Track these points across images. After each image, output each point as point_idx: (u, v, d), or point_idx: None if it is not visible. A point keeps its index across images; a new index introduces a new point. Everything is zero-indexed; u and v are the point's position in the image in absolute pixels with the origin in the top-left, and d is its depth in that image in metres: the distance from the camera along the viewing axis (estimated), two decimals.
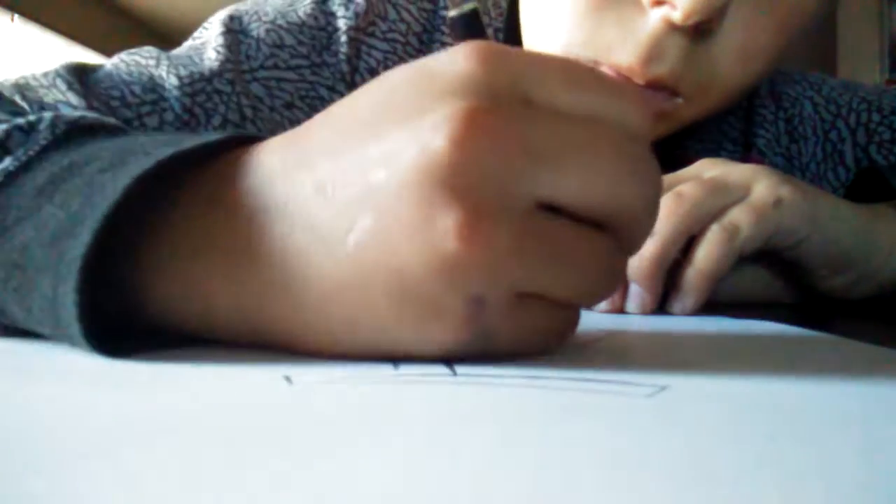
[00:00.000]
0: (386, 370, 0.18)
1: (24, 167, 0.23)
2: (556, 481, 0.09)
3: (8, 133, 0.25)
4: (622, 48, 0.41)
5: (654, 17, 0.40)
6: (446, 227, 0.17)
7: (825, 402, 0.15)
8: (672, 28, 0.40)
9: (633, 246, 0.20)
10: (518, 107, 0.18)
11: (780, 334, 0.26)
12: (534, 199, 0.17)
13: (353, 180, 0.18)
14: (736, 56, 0.42)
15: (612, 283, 0.20)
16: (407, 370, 0.18)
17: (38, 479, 0.10)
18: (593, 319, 0.33)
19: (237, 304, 0.20)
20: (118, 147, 0.22)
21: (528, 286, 0.18)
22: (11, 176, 0.23)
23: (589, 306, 0.20)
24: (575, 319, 0.20)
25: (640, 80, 0.41)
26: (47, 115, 0.25)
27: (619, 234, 0.19)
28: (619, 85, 0.19)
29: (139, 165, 0.19)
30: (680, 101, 0.43)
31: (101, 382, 0.16)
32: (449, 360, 0.19)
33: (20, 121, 0.25)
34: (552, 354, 0.20)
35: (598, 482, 0.09)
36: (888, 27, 2.69)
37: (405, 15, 0.53)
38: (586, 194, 0.18)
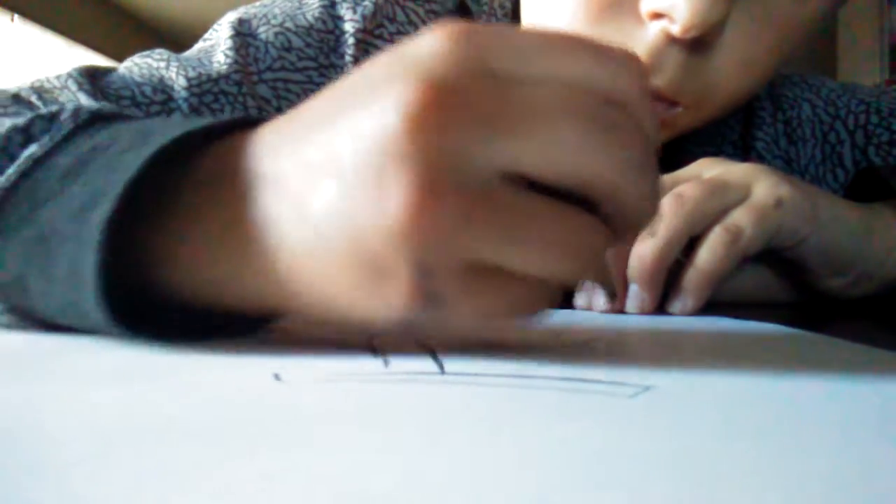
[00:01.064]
0: (376, 368, 0.18)
1: (50, 153, 0.24)
2: (530, 481, 0.10)
3: (31, 121, 0.26)
4: None
5: (653, 30, 0.40)
6: (397, 195, 0.17)
7: (811, 401, 0.15)
8: (671, 41, 0.40)
9: (625, 224, 0.19)
10: (481, 79, 0.18)
11: (778, 335, 0.26)
12: (494, 169, 0.18)
13: (322, 148, 0.19)
14: (734, 67, 0.42)
15: (585, 262, 0.19)
16: (397, 367, 0.18)
17: (35, 479, 0.10)
18: (592, 319, 0.33)
19: (223, 273, 0.21)
20: (137, 129, 0.23)
21: (481, 257, 0.18)
22: (38, 161, 0.24)
23: (561, 283, 0.19)
24: (544, 295, 0.20)
25: None
26: (69, 105, 0.26)
27: (605, 209, 0.19)
28: (603, 50, 0.19)
29: (157, 142, 0.21)
30: (679, 109, 0.43)
31: (91, 382, 0.16)
32: (416, 333, 0.20)
33: (42, 111, 0.26)
34: (528, 326, 0.20)
35: (570, 482, 0.10)
36: (888, 27, 2.69)
37: (413, 17, 0.53)
38: (549, 161, 0.18)
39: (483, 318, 0.19)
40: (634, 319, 0.33)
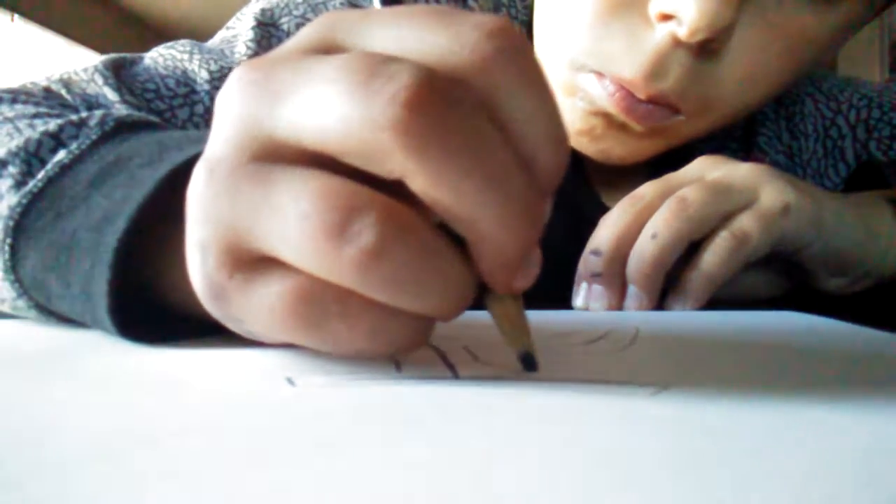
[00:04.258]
0: (388, 372, 0.18)
1: (77, 159, 0.26)
2: (553, 484, 0.09)
3: (61, 127, 0.28)
4: (626, 61, 0.41)
5: (661, 32, 0.40)
6: (196, 168, 0.17)
7: (830, 399, 0.14)
8: (677, 44, 0.39)
9: (470, 238, 0.16)
10: (292, 54, 0.16)
11: (790, 323, 0.26)
12: (274, 140, 0.16)
13: None
14: (740, 79, 0.42)
15: (393, 271, 0.15)
16: (409, 371, 0.18)
17: (43, 482, 0.10)
18: (595, 318, 0.32)
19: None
20: (158, 142, 0.25)
21: (252, 242, 0.16)
22: (65, 168, 0.26)
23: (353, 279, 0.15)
24: (355, 306, 0.15)
25: (641, 95, 0.41)
26: (97, 112, 0.28)
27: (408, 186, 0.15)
28: (450, 19, 0.16)
29: (172, 161, 0.22)
30: (681, 118, 0.43)
31: (101, 384, 0.16)
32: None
33: (73, 117, 0.28)
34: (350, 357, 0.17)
35: (591, 483, 0.09)
36: (888, 27, 2.69)
37: (433, 3, 0.53)
38: (313, 126, 0.15)
39: (272, 320, 0.16)
40: (639, 315, 0.33)
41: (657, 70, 0.40)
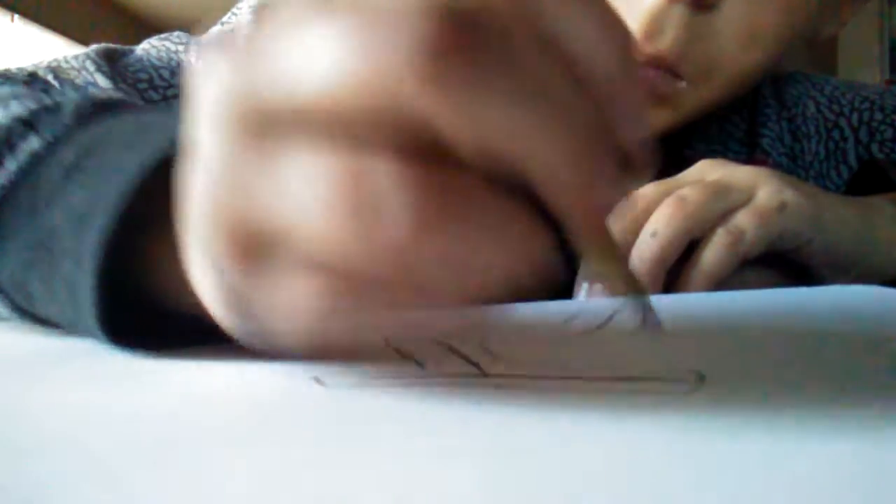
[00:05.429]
0: (413, 371, 0.18)
1: (52, 147, 0.24)
2: (582, 487, 0.10)
3: (34, 112, 0.25)
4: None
5: None
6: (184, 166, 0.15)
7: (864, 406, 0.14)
8: (673, 0, 0.40)
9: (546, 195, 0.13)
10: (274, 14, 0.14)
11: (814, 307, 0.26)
12: (262, 109, 0.13)
13: None
14: (738, 36, 0.42)
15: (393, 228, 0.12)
16: (435, 370, 0.18)
17: (80, 493, 0.10)
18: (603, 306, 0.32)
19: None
20: (139, 123, 0.22)
21: (266, 233, 0.14)
22: (39, 156, 0.24)
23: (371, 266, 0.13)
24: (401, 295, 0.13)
25: (640, 57, 0.41)
26: (73, 94, 0.26)
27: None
28: None
29: (157, 144, 0.19)
30: (682, 84, 0.43)
31: (125, 388, 0.17)
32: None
33: (47, 101, 0.26)
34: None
35: (623, 488, 0.10)
36: (888, 27, 2.69)
37: None
38: (307, 83, 0.13)
39: (303, 312, 0.14)
40: (665, 298, 0.32)
41: (654, 28, 0.41)
